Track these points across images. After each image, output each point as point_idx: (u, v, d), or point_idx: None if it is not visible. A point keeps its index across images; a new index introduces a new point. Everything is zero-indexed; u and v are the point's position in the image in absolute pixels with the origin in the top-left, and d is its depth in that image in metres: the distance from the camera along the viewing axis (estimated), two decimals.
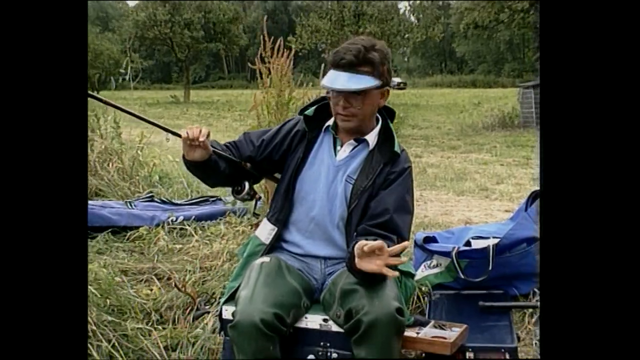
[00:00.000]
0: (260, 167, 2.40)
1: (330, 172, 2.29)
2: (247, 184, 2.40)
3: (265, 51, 4.03)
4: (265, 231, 2.37)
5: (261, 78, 4.05)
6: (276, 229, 2.34)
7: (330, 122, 2.34)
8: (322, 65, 3.48)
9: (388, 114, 2.38)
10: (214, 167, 2.28)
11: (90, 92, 2.23)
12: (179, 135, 2.24)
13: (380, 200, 2.21)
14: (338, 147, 2.33)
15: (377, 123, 2.34)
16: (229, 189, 2.54)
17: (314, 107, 2.36)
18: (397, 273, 2.01)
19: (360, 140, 2.30)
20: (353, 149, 2.31)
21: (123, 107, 2.50)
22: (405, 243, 1.99)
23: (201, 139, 2.17)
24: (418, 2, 30.18)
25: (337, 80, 2.17)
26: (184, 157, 2.25)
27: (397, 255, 1.96)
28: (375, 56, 2.18)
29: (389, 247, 1.97)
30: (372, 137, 2.30)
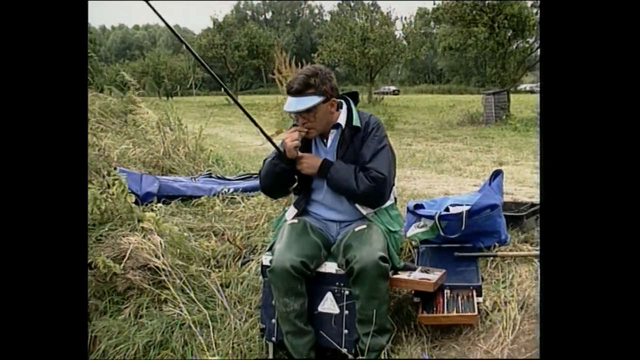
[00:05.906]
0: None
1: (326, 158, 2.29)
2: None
3: (279, 64, 4.32)
4: (291, 213, 2.39)
5: (281, 85, 4.25)
6: (297, 210, 2.36)
7: None
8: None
9: (352, 98, 2.35)
10: (291, 171, 2.27)
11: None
12: (275, 145, 2.26)
13: (361, 155, 2.21)
14: (325, 140, 2.32)
15: (343, 108, 2.31)
16: None
17: None
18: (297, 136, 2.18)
19: (336, 126, 2.29)
20: (335, 136, 2.30)
21: (246, 112, 2.47)
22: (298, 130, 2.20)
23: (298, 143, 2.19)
24: (409, 30, 29.57)
25: (290, 105, 2.16)
26: (279, 161, 2.23)
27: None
28: (316, 81, 2.14)
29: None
30: (342, 120, 2.28)
